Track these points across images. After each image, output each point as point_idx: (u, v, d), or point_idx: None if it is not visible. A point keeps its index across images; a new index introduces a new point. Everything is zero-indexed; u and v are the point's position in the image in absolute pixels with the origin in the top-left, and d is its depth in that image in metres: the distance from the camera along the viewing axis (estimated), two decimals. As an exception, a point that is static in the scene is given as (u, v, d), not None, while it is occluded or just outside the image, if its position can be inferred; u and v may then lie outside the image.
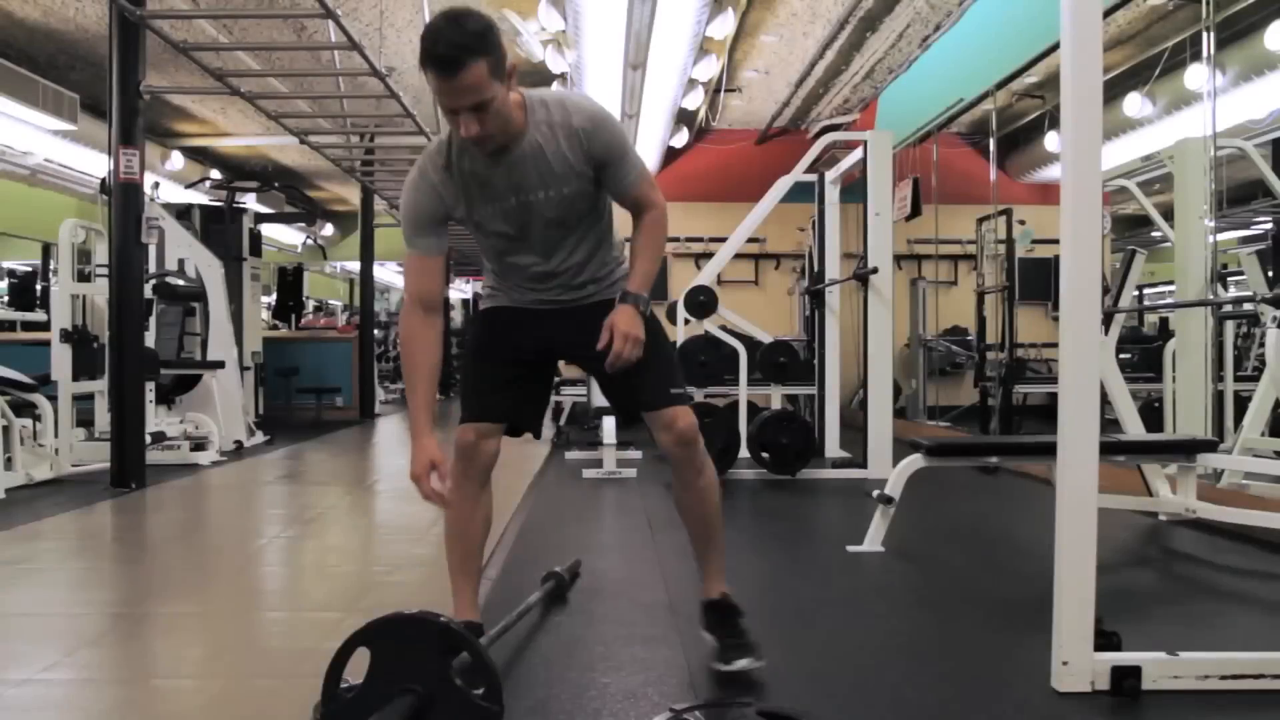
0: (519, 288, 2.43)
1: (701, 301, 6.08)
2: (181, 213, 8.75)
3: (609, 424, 6.22)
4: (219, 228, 9.08)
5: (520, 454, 7.57)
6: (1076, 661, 2.22)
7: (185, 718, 2.19)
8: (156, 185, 8.47)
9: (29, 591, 3.34)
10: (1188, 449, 4.10)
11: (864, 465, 5.87)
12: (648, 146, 9.32)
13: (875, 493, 3.88)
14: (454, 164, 2.21)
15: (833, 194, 6.67)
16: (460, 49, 1.96)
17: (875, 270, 5.81)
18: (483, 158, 2.17)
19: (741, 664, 2.27)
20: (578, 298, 2.42)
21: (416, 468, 2.16)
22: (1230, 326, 5.81)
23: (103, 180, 6.10)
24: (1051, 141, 9.35)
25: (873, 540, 3.81)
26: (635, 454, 6.63)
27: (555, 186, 2.23)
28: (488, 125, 2.06)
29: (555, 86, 2.37)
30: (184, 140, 11.24)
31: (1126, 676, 2.20)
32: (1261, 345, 5.59)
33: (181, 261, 7.64)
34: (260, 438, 7.87)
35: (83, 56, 8.18)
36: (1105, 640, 2.25)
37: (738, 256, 7.59)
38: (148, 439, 5.82)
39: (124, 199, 5.49)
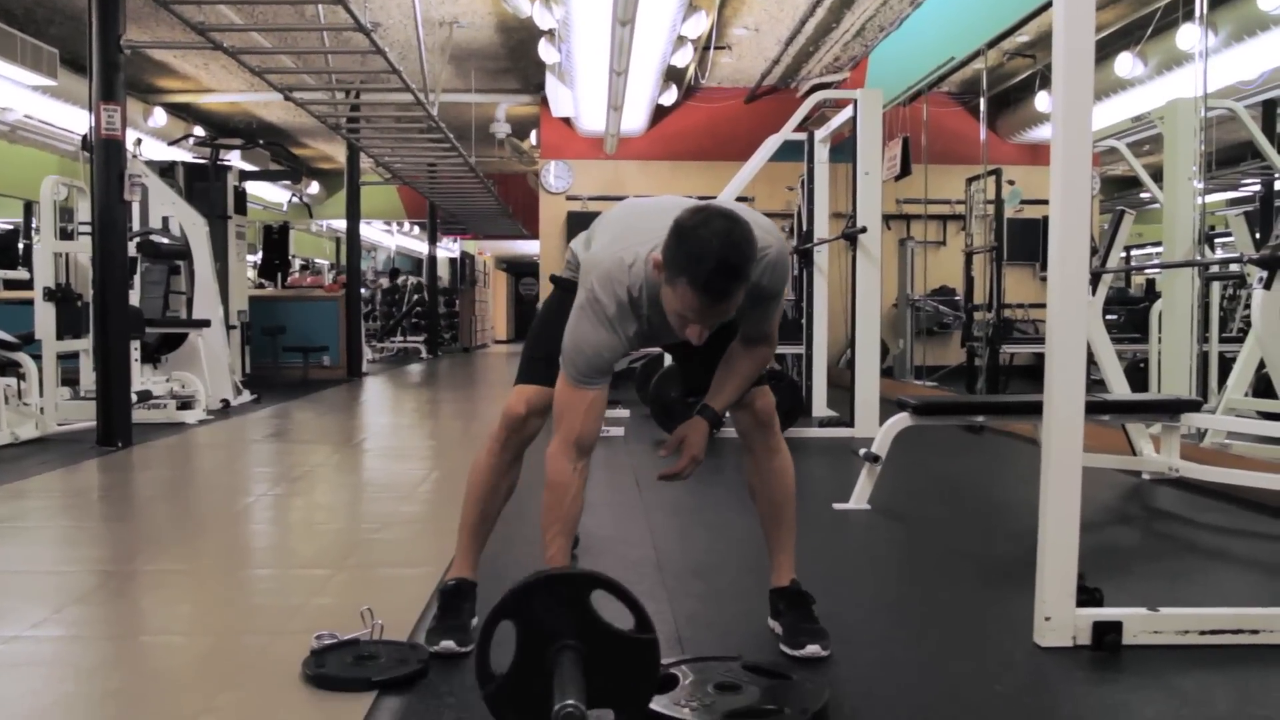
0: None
1: (690, 261, 6.05)
2: (165, 170, 8.67)
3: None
4: (203, 185, 9.01)
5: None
6: (1059, 617, 2.24)
7: (174, 673, 2.20)
8: (139, 142, 8.37)
9: (16, 549, 3.33)
10: (1172, 409, 4.13)
11: (851, 424, 5.90)
12: (636, 105, 9.25)
13: (862, 451, 3.90)
14: (643, 316, 2.04)
15: (822, 153, 6.64)
16: (738, 280, 1.85)
17: (864, 230, 5.80)
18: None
19: (811, 649, 2.16)
20: None
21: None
22: (1216, 288, 5.84)
23: (84, 137, 6.01)
24: (1042, 101, 9.32)
25: (859, 498, 3.83)
26: (623, 412, 6.65)
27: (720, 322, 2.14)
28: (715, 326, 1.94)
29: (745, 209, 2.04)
30: (166, 96, 11.11)
31: (1108, 632, 2.23)
32: (1247, 307, 5.62)
33: (166, 219, 7.56)
34: (247, 396, 7.85)
35: (61, 10, 8.05)
36: (1087, 596, 2.28)
37: (727, 216, 7.54)
38: (134, 398, 5.79)
39: (106, 156, 5.43)
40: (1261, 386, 4.66)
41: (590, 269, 2.06)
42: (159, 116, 10.85)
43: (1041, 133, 9.68)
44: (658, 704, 1.82)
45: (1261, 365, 4.46)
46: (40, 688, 2.06)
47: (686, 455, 2.16)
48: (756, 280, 2.00)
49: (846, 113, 6.13)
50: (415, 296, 16.77)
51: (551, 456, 2.05)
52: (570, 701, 1.56)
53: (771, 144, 6.13)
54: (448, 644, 2.19)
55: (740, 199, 7.64)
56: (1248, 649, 2.23)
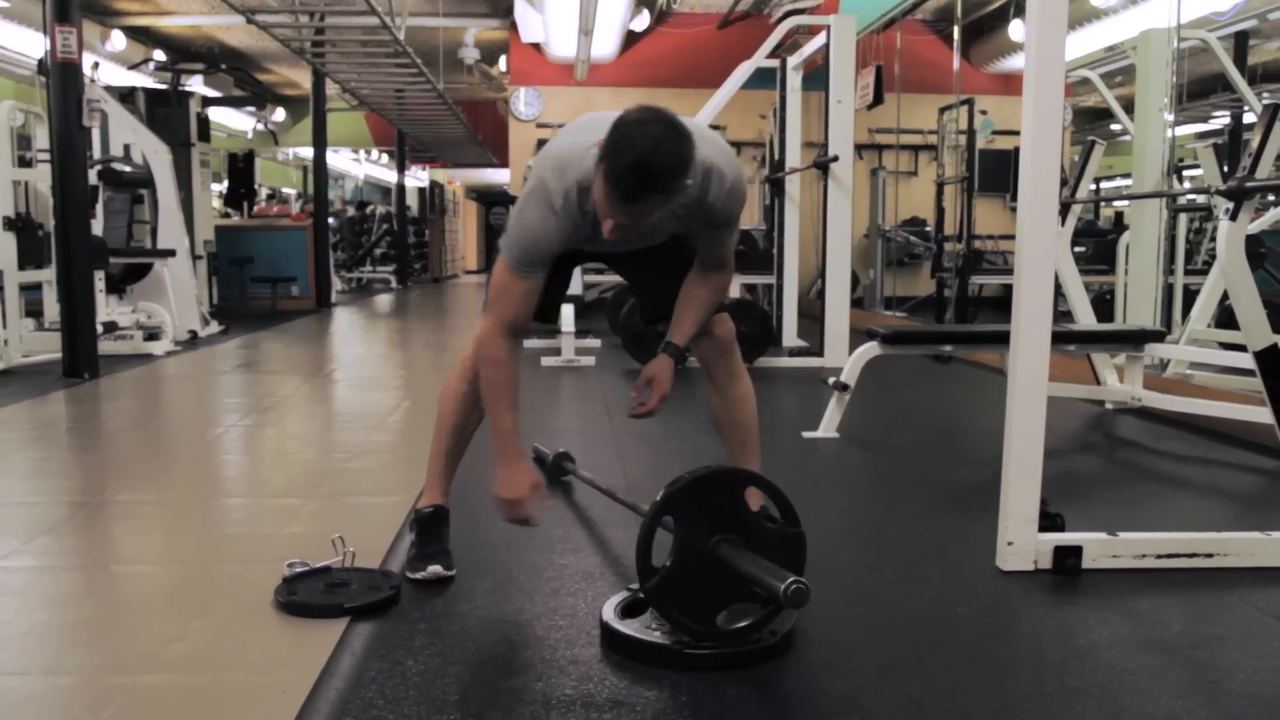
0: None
1: (661, 190, 6.01)
2: (125, 95, 8.46)
3: (568, 312, 6.22)
4: (165, 112, 8.82)
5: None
6: (1021, 542, 2.29)
7: (147, 602, 2.21)
8: (96, 66, 8.16)
9: (-17, 480, 3.31)
10: (1136, 339, 4.19)
11: (821, 354, 5.94)
12: (607, 30, 9.11)
13: (831, 380, 3.93)
14: (589, 214, 2.00)
15: (794, 81, 6.58)
16: (647, 188, 1.81)
17: (836, 159, 5.78)
18: None
19: None
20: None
21: (516, 490, 2.06)
22: (1183, 220, 5.88)
23: (40, 61, 5.85)
24: (1016, 30, 9.24)
25: (828, 426, 3.88)
26: (594, 342, 6.65)
27: (668, 233, 2.18)
28: (635, 232, 1.94)
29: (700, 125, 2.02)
30: (124, 19, 10.80)
31: (1068, 556, 2.28)
32: (1213, 240, 5.67)
33: (127, 147, 7.41)
34: (215, 327, 7.78)
35: (12, -73, 7.77)
36: (1049, 521, 2.33)
37: (698, 145, 7.48)
38: (99, 329, 5.72)
39: (62, 80, 5.28)
40: (1224, 318, 4.72)
41: (545, 158, 2.05)
42: (117, 40, 10.57)
43: (1015, 62, 9.62)
44: (629, 628, 1.86)
45: (1225, 297, 4.51)
46: (11, 617, 2.06)
47: (656, 393, 2.18)
48: (709, 202, 2.02)
49: (819, 40, 6.06)
50: (384, 226, 16.58)
51: (486, 337, 2.08)
52: (794, 577, 1.65)
53: (744, 71, 6.06)
54: (435, 568, 2.20)
55: (712, 127, 7.59)
56: (1202, 572, 2.30)
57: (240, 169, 12.25)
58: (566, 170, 1.99)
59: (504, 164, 12.27)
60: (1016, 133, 2.33)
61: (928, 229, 9.23)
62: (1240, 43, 6.76)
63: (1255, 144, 3.13)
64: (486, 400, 2.10)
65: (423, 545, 2.30)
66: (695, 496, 1.83)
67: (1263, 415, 3.32)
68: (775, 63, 6.57)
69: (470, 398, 2.30)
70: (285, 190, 18.95)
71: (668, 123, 1.83)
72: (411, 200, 18.10)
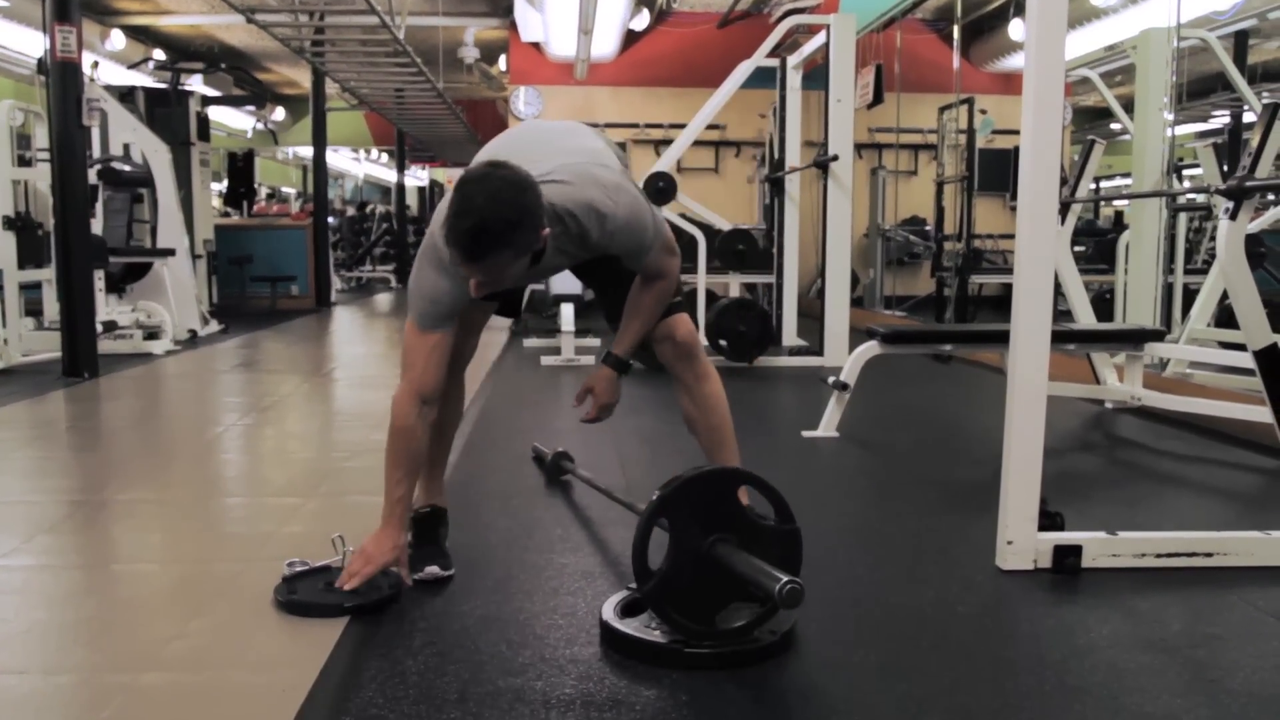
0: None
1: (660, 188, 6.01)
2: (124, 95, 8.46)
3: (567, 311, 6.22)
4: (164, 111, 8.81)
5: (480, 341, 7.56)
6: (1021, 541, 2.29)
7: (146, 601, 2.21)
8: (96, 65, 8.16)
9: (-17, 479, 3.31)
10: (1136, 338, 4.18)
11: (820, 353, 5.94)
12: (607, 29, 9.10)
13: (831, 379, 3.93)
14: None
15: (794, 80, 6.57)
16: (485, 247, 1.82)
17: (835, 158, 5.78)
18: None
19: None
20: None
21: (373, 558, 2.06)
22: (1183, 219, 5.87)
23: (40, 60, 5.85)
24: (1016, 29, 9.24)
25: (827, 426, 3.87)
26: (594, 341, 6.65)
27: (565, 266, 2.20)
28: (498, 284, 1.94)
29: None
30: (124, 18, 10.79)
31: (1068, 555, 2.28)
32: (1213, 239, 5.67)
33: (127, 146, 7.40)
34: (215, 327, 7.77)
35: (12, -74, 7.77)
36: (1049, 521, 2.33)
37: (697, 143, 7.50)
38: (99, 328, 5.72)
39: (62, 79, 5.28)
40: (1224, 317, 4.72)
41: (437, 212, 2.06)
42: (117, 39, 10.56)
43: (1014, 61, 9.62)
44: (628, 627, 1.86)
45: (1224, 296, 4.51)
46: (11, 616, 2.06)
47: (594, 404, 2.24)
48: (596, 242, 2.03)
49: (819, 39, 6.06)
50: (384, 225, 16.57)
51: (396, 401, 2.08)
52: (788, 578, 1.65)
53: (743, 70, 6.06)
54: (432, 569, 2.21)
55: (711, 126, 7.59)
56: (1202, 571, 2.30)
57: (240, 168, 12.25)
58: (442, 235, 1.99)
59: (504, 163, 12.23)
60: (1016, 132, 2.33)
61: (927, 228, 9.22)
62: (1240, 42, 6.76)
63: (1255, 143, 3.12)
64: (387, 461, 2.10)
65: (419, 546, 2.30)
66: (690, 497, 1.83)
67: (1262, 414, 3.31)
68: (775, 62, 6.56)
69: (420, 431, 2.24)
70: (285, 189, 18.96)
71: (506, 179, 1.84)
72: (411, 199, 18.10)
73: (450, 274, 1.98)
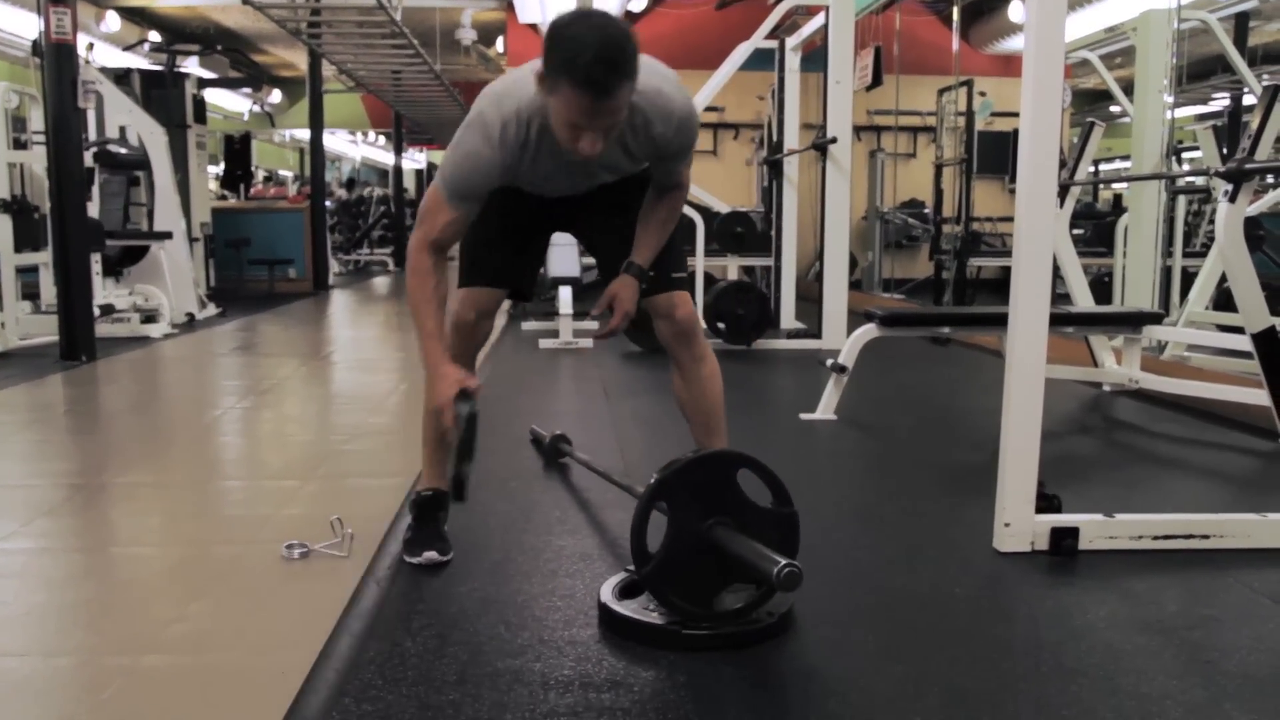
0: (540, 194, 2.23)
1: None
2: (120, 77, 8.42)
3: (565, 295, 6.21)
4: (160, 93, 8.77)
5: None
6: (1018, 523, 2.30)
7: (146, 584, 2.21)
8: (91, 47, 8.10)
9: (-19, 462, 3.31)
10: (1134, 321, 4.18)
11: (819, 336, 5.94)
12: (604, 10, 9.05)
13: (829, 362, 3.93)
14: (530, 144, 1.96)
15: (793, 62, 6.55)
16: (619, 74, 1.76)
17: (834, 140, 5.76)
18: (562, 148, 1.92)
19: None
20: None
21: (440, 397, 1.96)
22: (1182, 202, 5.87)
23: (34, 42, 5.82)
24: (1015, 11, 9.20)
25: (825, 408, 3.88)
26: (592, 324, 6.64)
27: (616, 172, 2.14)
28: (607, 142, 1.87)
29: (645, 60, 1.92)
30: (119, 0, 10.73)
31: (1065, 537, 2.29)
32: (1211, 222, 5.66)
33: (123, 129, 7.37)
34: (212, 310, 7.76)
35: (5, -94, 7.71)
36: (1046, 503, 2.33)
37: (696, 126, 7.46)
38: (96, 312, 5.71)
39: (57, 61, 5.25)
40: (1222, 300, 4.72)
41: (483, 95, 2.03)
42: (112, 21, 10.50)
43: (1014, 43, 9.58)
44: (626, 609, 1.86)
45: (1223, 279, 4.51)
46: (10, 599, 2.07)
47: (618, 312, 2.15)
48: (657, 135, 1.99)
49: (818, 21, 6.03)
50: (381, 209, 16.53)
51: (414, 250, 2.05)
52: (786, 561, 1.66)
53: (742, 52, 6.03)
54: (430, 554, 2.20)
55: (710, 108, 7.55)
56: (1198, 553, 2.31)
57: (237, 151, 12.22)
58: (504, 100, 1.96)
59: (501, 146, 12.19)
60: (1015, 114, 2.32)
61: (926, 211, 9.21)
62: (1240, 24, 6.73)
63: (1255, 126, 3.12)
64: (412, 307, 2.07)
65: (419, 529, 2.29)
66: (687, 480, 1.83)
67: (1260, 397, 3.32)
68: (774, 44, 6.54)
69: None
70: (282, 172, 18.92)
71: (600, 14, 1.85)
72: (409, 182, 18.05)
73: (496, 149, 1.94)
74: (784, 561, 1.65)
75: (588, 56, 1.73)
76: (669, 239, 2.24)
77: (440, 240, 2.04)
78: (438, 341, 2.01)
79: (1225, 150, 5.50)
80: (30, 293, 6.36)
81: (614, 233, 2.24)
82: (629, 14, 9.91)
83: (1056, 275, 3.40)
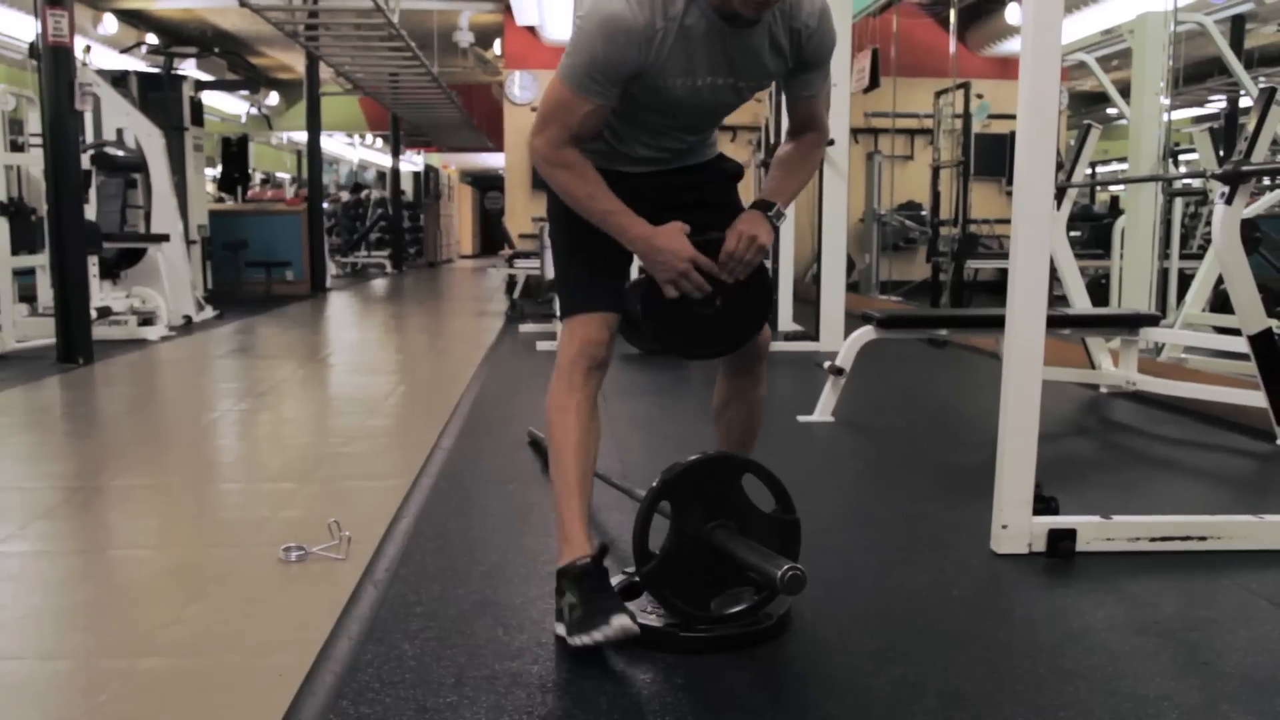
0: (634, 147, 1.97)
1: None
2: (117, 79, 8.41)
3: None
4: (158, 96, 8.76)
5: (475, 327, 7.58)
6: (1015, 525, 2.30)
7: (143, 586, 2.21)
8: (88, 49, 8.12)
9: (-22, 465, 3.31)
10: (1131, 323, 4.19)
11: (816, 338, 5.94)
12: (602, 14, 9.05)
13: (826, 364, 3.93)
14: (682, 16, 1.74)
15: (791, 65, 6.55)
16: None
17: (831, 143, 5.75)
18: (718, 23, 1.75)
19: None
20: (682, 163, 2.04)
21: (677, 258, 1.79)
22: (1179, 204, 5.87)
23: (31, 44, 5.81)
24: (1012, 14, 9.22)
25: (823, 410, 3.88)
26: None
27: (754, 77, 1.87)
28: (767, 12, 1.71)
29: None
30: (116, 2, 10.72)
31: (1062, 539, 2.29)
32: (1208, 224, 5.67)
33: (120, 131, 7.37)
34: (209, 312, 7.76)
35: (3, -92, 7.71)
36: (1043, 505, 2.33)
37: (693, 129, 7.46)
38: (93, 314, 5.71)
39: (54, 63, 5.25)
40: (1219, 302, 4.72)
41: None
42: (109, 23, 10.49)
43: (1011, 46, 9.59)
44: (624, 611, 1.86)
45: (1219, 281, 4.52)
46: (7, 602, 2.06)
47: (744, 238, 1.85)
48: (807, 25, 1.82)
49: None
50: (379, 211, 16.53)
51: (550, 147, 1.82)
52: (790, 564, 1.66)
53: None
54: (621, 621, 1.70)
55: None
56: (1195, 555, 2.31)
57: (234, 153, 12.21)
58: None
59: (499, 148, 12.20)
60: (1012, 117, 2.32)
61: (923, 213, 9.22)
62: (1237, 26, 6.74)
63: (1251, 128, 3.12)
64: (578, 198, 1.84)
65: (589, 603, 1.75)
66: (691, 482, 1.83)
67: (1256, 399, 3.33)
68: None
69: (587, 412, 1.92)
70: (279, 174, 18.89)
71: None
72: (406, 184, 18.04)
73: (639, 31, 1.71)
74: (788, 564, 1.65)
75: None
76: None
77: (581, 132, 1.82)
78: (630, 214, 1.83)
79: (1222, 152, 5.51)
80: (27, 295, 6.35)
81: (696, 205, 2.01)
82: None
83: (1053, 277, 3.40)
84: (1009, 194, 8.82)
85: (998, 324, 2.41)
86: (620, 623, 1.68)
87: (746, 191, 8.43)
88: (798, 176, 2.00)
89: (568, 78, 1.78)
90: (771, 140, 6.92)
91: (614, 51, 1.73)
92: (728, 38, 1.77)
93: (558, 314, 2.01)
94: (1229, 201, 3.01)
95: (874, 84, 7.31)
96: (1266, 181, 5.82)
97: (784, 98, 2.02)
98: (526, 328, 6.83)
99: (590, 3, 1.75)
